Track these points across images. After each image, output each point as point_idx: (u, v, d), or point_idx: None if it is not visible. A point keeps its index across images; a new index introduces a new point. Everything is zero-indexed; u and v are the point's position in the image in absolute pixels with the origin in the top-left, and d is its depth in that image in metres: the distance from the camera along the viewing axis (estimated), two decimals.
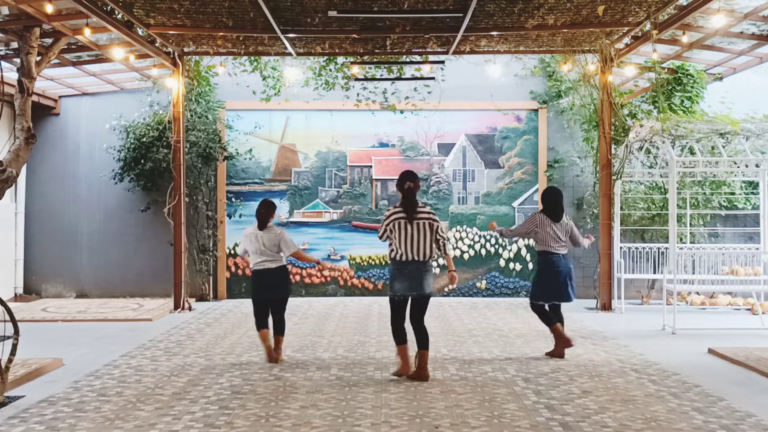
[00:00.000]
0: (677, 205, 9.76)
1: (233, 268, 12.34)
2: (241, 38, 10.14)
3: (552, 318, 7.18)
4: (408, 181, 6.26)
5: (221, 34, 9.75)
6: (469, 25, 9.21)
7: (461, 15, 8.80)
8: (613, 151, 10.65)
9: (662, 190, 11.26)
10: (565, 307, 10.97)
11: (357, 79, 11.56)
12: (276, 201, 12.36)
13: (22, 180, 11.99)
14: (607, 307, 10.49)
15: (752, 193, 11.39)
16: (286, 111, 12.33)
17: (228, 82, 11.78)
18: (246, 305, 11.15)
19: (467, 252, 12.39)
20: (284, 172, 12.53)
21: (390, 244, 6.25)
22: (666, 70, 11.17)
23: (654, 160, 11.20)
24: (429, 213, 6.27)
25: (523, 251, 12.34)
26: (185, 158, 11.13)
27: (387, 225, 6.22)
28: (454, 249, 12.40)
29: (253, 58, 11.35)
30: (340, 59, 11.38)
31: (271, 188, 12.51)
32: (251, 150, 12.31)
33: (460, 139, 12.47)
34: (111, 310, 10.60)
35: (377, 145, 12.50)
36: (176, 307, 10.56)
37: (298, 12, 8.90)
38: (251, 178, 12.49)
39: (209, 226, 12.01)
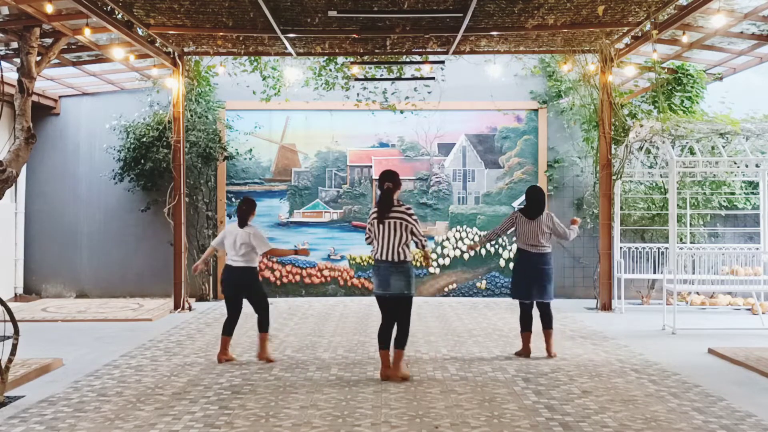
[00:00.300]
0: (677, 205, 9.76)
1: None
2: (241, 38, 10.14)
3: (528, 323, 7.19)
4: (387, 182, 6.23)
5: (221, 34, 9.76)
6: (469, 25, 9.21)
7: (461, 15, 8.80)
8: (613, 151, 10.65)
9: (662, 190, 11.26)
10: (565, 307, 10.99)
11: (357, 79, 11.56)
12: (276, 201, 12.62)
13: (22, 180, 11.99)
14: (607, 307, 10.49)
15: (752, 193, 11.40)
16: (286, 111, 12.33)
17: (228, 82, 11.78)
18: (245, 305, 11.13)
19: (467, 252, 12.39)
20: (284, 172, 12.53)
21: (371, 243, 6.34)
22: (666, 70, 11.18)
23: (654, 160, 11.20)
24: (402, 212, 6.15)
25: None
26: (185, 158, 11.13)
27: (367, 225, 6.31)
28: (454, 249, 12.39)
29: (253, 58, 11.35)
30: (340, 59, 11.38)
31: (271, 188, 12.51)
32: (251, 150, 12.31)
33: (460, 139, 12.47)
34: (111, 310, 10.60)
35: (377, 145, 12.51)
36: (176, 307, 10.56)
37: (298, 12, 8.90)
38: (251, 178, 12.49)
39: (209, 226, 12.01)
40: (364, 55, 11.08)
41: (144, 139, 11.41)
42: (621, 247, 10.72)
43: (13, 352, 5.53)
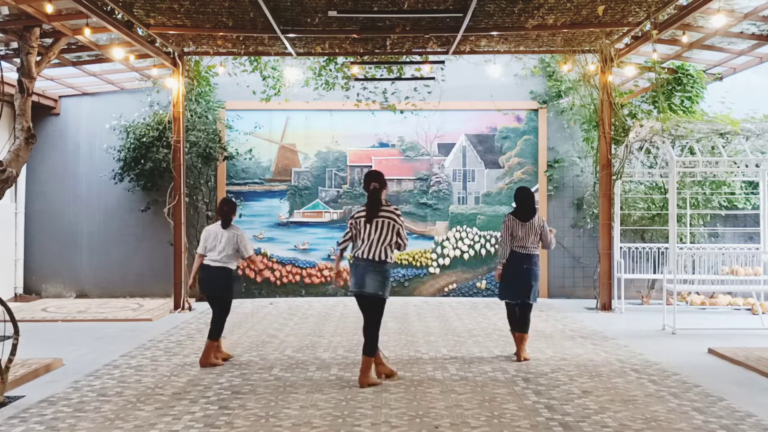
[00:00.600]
0: (677, 205, 9.76)
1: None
2: (241, 38, 10.14)
3: (515, 324, 7.18)
4: (373, 182, 6.21)
5: (221, 34, 9.76)
6: (469, 25, 9.21)
7: (461, 15, 8.80)
8: (613, 151, 10.65)
9: (662, 190, 11.26)
10: (565, 307, 10.99)
11: (357, 79, 11.56)
12: (276, 201, 12.62)
13: (22, 180, 11.99)
14: (607, 307, 10.49)
15: (752, 193, 11.39)
16: (286, 111, 12.33)
17: (228, 82, 11.78)
18: (246, 305, 11.16)
19: (467, 252, 12.39)
20: (284, 172, 12.53)
21: (346, 247, 6.23)
22: (666, 70, 11.17)
23: (654, 160, 11.20)
24: (391, 212, 6.14)
25: None
26: (185, 158, 11.13)
27: (349, 227, 6.20)
28: (454, 249, 12.39)
29: (253, 58, 11.35)
30: (340, 59, 11.38)
31: (271, 188, 12.51)
32: (251, 150, 12.31)
33: (460, 139, 12.47)
34: (111, 310, 10.60)
35: (377, 145, 12.50)
36: (176, 307, 10.56)
37: (298, 12, 8.90)
38: (251, 178, 12.49)
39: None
40: (364, 55, 11.08)
41: (144, 139, 11.40)
42: (621, 247, 10.72)
43: (13, 352, 5.53)
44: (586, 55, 10.81)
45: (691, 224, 11.19)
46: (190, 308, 10.64)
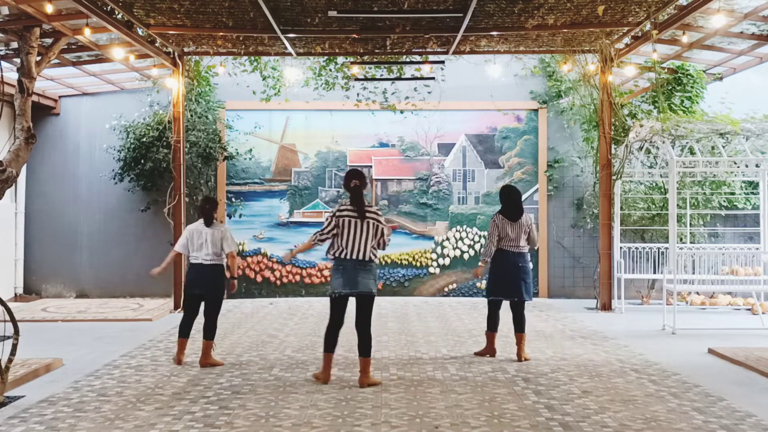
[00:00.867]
0: (677, 205, 9.76)
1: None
2: (241, 38, 10.14)
3: (496, 323, 7.18)
4: (354, 179, 6.19)
5: (221, 34, 9.76)
6: (469, 25, 9.21)
7: (461, 15, 8.80)
8: (613, 151, 10.65)
9: (662, 190, 11.26)
10: (565, 307, 10.99)
11: (357, 79, 11.56)
12: (276, 201, 12.62)
13: (22, 180, 11.99)
14: (607, 307, 10.49)
15: (752, 193, 11.39)
16: (286, 111, 12.33)
17: (228, 82, 11.78)
18: (246, 305, 11.15)
19: (467, 252, 12.39)
20: (284, 172, 12.53)
21: (330, 242, 6.11)
22: (666, 70, 11.18)
23: (654, 160, 11.20)
24: (375, 213, 6.18)
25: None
26: (185, 158, 11.13)
27: (334, 222, 6.08)
28: (454, 249, 12.39)
29: (253, 58, 11.35)
30: (340, 59, 11.38)
31: (271, 188, 12.51)
32: (251, 150, 12.31)
33: (460, 139, 12.47)
34: (111, 310, 10.60)
35: (377, 145, 12.50)
36: (176, 307, 10.55)
37: (298, 12, 8.90)
38: (251, 178, 12.49)
39: None
40: (364, 55, 11.08)
41: (144, 139, 11.40)
42: (621, 247, 10.72)
43: (13, 352, 5.53)
44: (586, 55, 10.81)
45: (691, 224, 11.19)
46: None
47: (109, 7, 8.33)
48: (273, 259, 12.32)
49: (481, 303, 11.43)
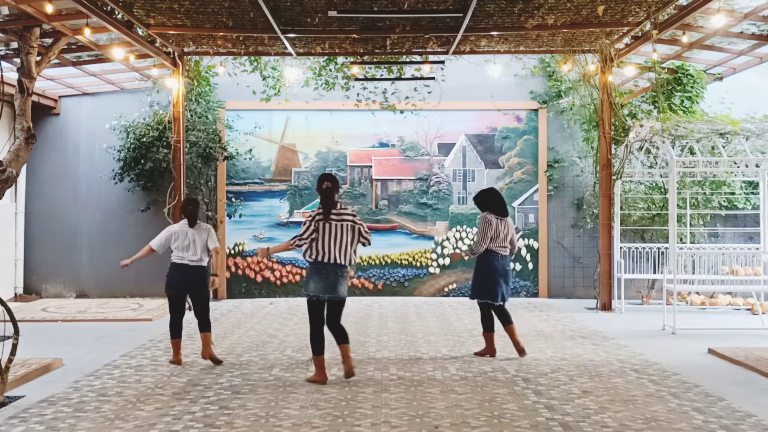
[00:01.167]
0: (677, 205, 9.76)
1: (233, 268, 12.34)
2: (241, 38, 10.14)
3: (492, 323, 7.20)
4: (326, 182, 6.18)
5: (221, 34, 9.76)
6: (469, 25, 9.21)
7: (461, 15, 8.80)
8: (613, 151, 10.65)
9: (662, 190, 11.26)
10: (565, 307, 10.99)
11: (357, 79, 11.56)
12: (276, 201, 12.62)
13: (22, 180, 11.98)
14: (607, 307, 10.49)
15: (752, 193, 11.39)
16: (286, 111, 12.33)
17: (228, 82, 11.78)
18: (246, 305, 11.15)
19: (467, 255, 12.38)
20: (284, 172, 12.53)
21: (308, 245, 6.07)
22: (666, 70, 11.17)
23: (654, 160, 11.20)
24: (350, 215, 6.16)
25: (523, 251, 12.34)
26: (185, 158, 11.14)
27: (313, 226, 6.04)
28: (454, 249, 12.40)
29: (253, 58, 11.35)
30: (340, 59, 11.38)
31: (271, 188, 12.51)
32: (251, 150, 12.31)
33: (460, 139, 12.47)
34: (111, 310, 10.60)
35: (377, 145, 12.50)
36: None
37: (298, 12, 8.90)
38: (251, 178, 12.49)
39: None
40: (364, 55, 11.08)
41: (144, 139, 11.40)
42: (621, 247, 10.72)
43: (13, 352, 5.53)
44: (586, 55, 10.82)
45: (691, 224, 11.19)
46: (190, 308, 10.61)
47: (109, 7, 8.33)
48: (273, 259, 12.32)
49: None
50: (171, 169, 10.98)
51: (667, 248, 10.41)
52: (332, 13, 8.76)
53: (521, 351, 7.07)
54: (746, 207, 11.51)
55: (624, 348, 7.60)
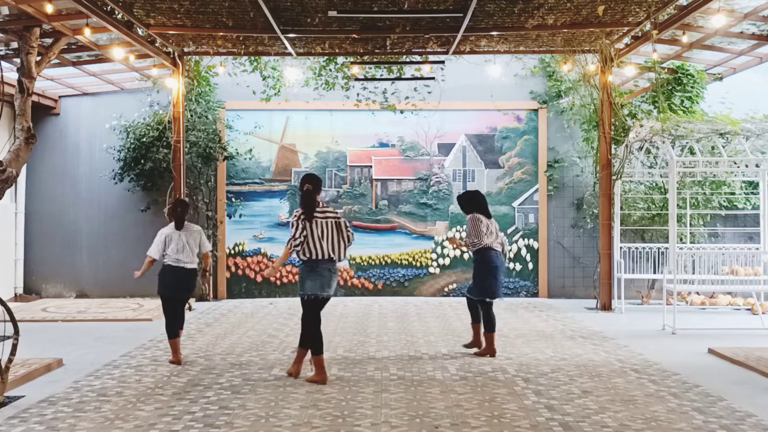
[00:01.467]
0: (677, 205, 9.76)
1: (233, 268, 12.34)
2: (241, 38, 10.14)
3: (494, 323, 7.23)
4: (307, 183, 6.24)
5: (221, 34, 9.76)
6: (469, 25, 9.21)
7: (461, 15, 8.80)
8: (613, 151, 10.65)
9: (662, 190, 11.26)
10: (565, 307, 10.99)
11: (357, 79, 11.57)
12: (276, 201, 12.62)
13: (22, 180, 11.99)
14: (607, 307, 10.49)
15: (752, 193, 11.39)
16: (286, 111, 12.33)
17: (228, 82, 11.78)
18: (246, 305, 11.16)
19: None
20: (284, 172, 12.53)
21: (300, 245, 6.09)
22: (666, 70, 11.18)
23: (654, 160, 11.20)
24: (333, 212, 6.27)
25: (523, 251, 12.34)
26: (185, 158, 11.14)
27: (302, 225, 6.06)
28: (454, 249, 12.40)
29: (253, 58, 11.35)
30: (340, 59, 11.39)
31: (271, 188, 12.51)
32: (251, 150, 12.31)
33: (460, 139, 12.47)
34: (111, 310, 10.60)
35: (377, 145, 12.50)
36: None
37: (298, 12, 8.90)
38: (251, 178, 12.49)
39: (209, 226, 12.01)
40: (364, 55, 11.08)
41: (144, 139, 11.40)
42: (621, 247, 10.72)
43: (13, 352, 5.53)
44: (586, 55, 10.82)
45: (691, 224, 11.19)
46: (189, 308, 10.58)
47: (109, 7, 8.33)
48: (273, 259, 12.31)
49: None
50: (171, 169, 10.99)
51: (667, 248, 10.41)
52: (332, 13, 8.76)
53: (477, 346, 7.24)
54: (746, 207, 11.51)
55: (624, 348, 7.60)
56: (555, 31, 9.69)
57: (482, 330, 7.25)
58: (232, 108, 12.37)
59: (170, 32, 9.68)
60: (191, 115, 11.48)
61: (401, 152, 12.48)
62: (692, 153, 10.42)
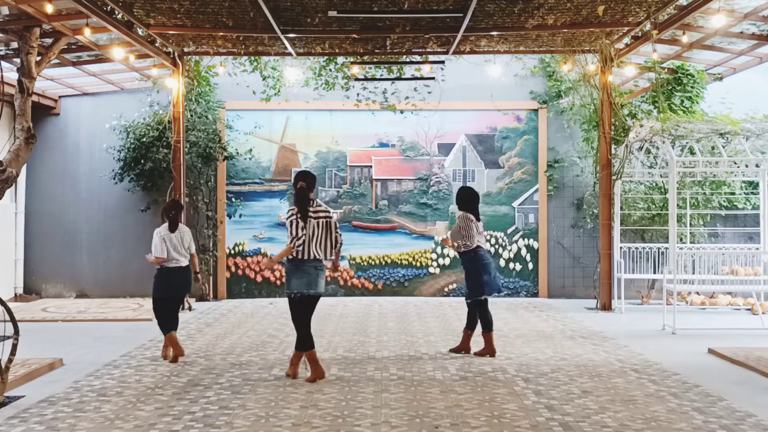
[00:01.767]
0: (677, 205, 9.76)
1: (233, 268, 12.34)
2: (241, 38, 10.14)
3: (491, 322, 7.27)
4: (300, 181, 6.24)
5: (221, 34, 9.76)
6: (469, 25, 9.21)
7: (461, 15, 8.80)
8: (613, 151, 10.65)
9: (662, 190, 11.26)
10: (565, 307, 11.00)
11: (357, 79, 11.56)
12: (276, 201, 12.62)
13: (22, 180, 11.98)
14: (607, 307, 10.49)
15: (752, 193, 11.39)
16: (286, 111, 12.33)
17: (228, 82, 11.78)
18: (246, 305, 11.16)
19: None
20: (284, 172, 12.53)
21: (303, 243, 6.08)
22: (666, 70, 11.18)
23: (654, 160, 11.20)
24: (327, 211, 6.25)
25: (523, 251, 12.34)
26: (185, 158, 11.14)
27: (301, 222, 6.06)
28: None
29: (253, 58, 11.35)
30: (340, 59, 11.38)
31: (271, 188, 12.51)
32: (251, 150, 12.31)
33: (460, 139, 12.47)
34: (111, 310, 10.60)
35: (377, 145, 12.50)
36: None
37: (298, 12, 8.90)
38: (251, 178, 12.49)
39: (209, 226, 12.01)
40: (364, 55, 11.08)
41: (144, 139, 11.40)
42: (621, 247, 10.72)
43: (13, 352, 5.53)
44: (586, 55, 10.82)
45: (691, 224, 11.19)
46: (190, 308, 10.63)
47: (109, 7, 8.33)
48: (272, 257, 12.29)
49: None
50: (171, 169, 10.99)
51: (667, 248, 10.41)
52: (332, 13, 8.76)
53: (465, 351, 7.32)
54: (746, 207, 11.51)
55: (624, 348, 7.60)
56: (555, 31, 9.69)
57: (481, 331, 7.25)
58: (232, 108, 12.37)
59: (170, 32, 9.68)
60: (191, 115, 11.48)
61: (401, 152, 12.48)
62: (692, 153, 10.42)
